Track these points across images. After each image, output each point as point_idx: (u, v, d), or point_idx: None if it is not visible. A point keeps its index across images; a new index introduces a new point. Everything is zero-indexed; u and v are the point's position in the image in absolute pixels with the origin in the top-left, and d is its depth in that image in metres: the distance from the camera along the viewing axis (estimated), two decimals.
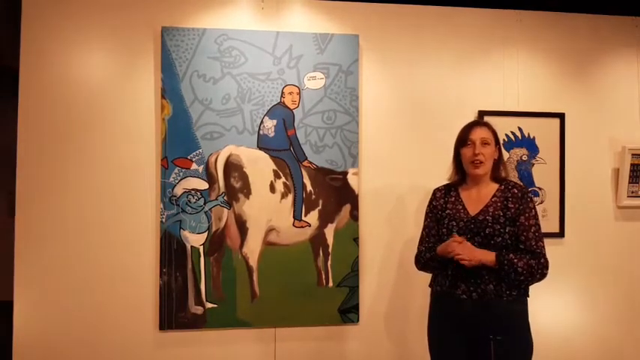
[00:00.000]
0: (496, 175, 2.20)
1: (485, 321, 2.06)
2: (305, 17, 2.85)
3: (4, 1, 3.16)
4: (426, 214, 2.31)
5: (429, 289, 2.28)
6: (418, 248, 2.30)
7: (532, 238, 2.07)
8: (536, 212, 2.12)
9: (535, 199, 2.98)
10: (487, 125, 2.21)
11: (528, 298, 2.12)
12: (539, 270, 2.05)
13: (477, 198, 2.17)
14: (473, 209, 2.15)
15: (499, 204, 2.12)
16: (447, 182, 2.30)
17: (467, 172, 2.20)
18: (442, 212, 2.22)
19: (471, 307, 2.07)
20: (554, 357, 2.99)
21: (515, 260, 2.02)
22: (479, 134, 2.15)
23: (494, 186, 2.18)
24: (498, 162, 2.21)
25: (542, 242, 2.09)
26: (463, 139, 2.19)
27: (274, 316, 2.73)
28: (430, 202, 2.30)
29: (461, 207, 2.18)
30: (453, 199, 2.22)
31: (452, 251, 2.06)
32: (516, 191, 2.13)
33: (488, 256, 2.04)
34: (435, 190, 2.31)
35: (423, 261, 2.25)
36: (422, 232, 2.31)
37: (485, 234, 2.08)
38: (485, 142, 2.15)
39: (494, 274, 2.05)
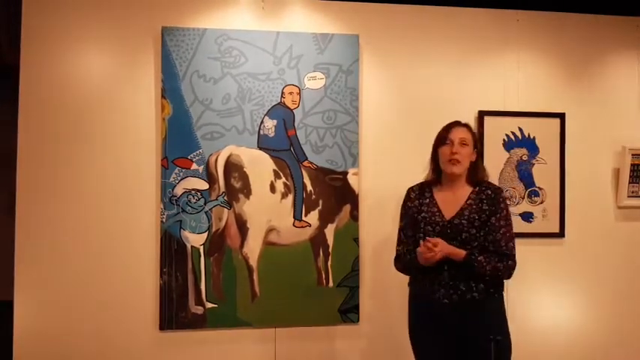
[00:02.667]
0: (472, 178, 2.20)
1: (468, 321, 2.08)
2: (305, 17, 2.85)
3: (5, 1, 3.16)
4: (401, 214, 2.30)
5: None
6: (397, 250, 2.29)
7: (501, 239, 2.09)
8: (507, 213, 2.14)
9: (535, 199, 2.99)
10: (467, 126, 2.22)
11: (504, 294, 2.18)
12: (505, 272, 2.10)
13: (453, 200, 2.17)
14: (448, 212, 2.15)
15: (474, 207, 2.13)
16: (422, 181, 2.30)
17: (444, 171, 2.20)
18: (417, 215, 2.20)
19: (452, 309, 2.09)
20: (554, 356, 2.99)
21: (484, 263, 2.05)
22: (458, 134, 2.17)
23: (469, 188, 2.18)
24: (475, 165, 2.21)
25: (513, 243, 2.12)
26: (442, 137, 2.20)
27: (274, 316, 2.73)
28: (405, 203, 2.29)
29: (436, 210, 2.18)
30: (428, 200, 2.21)
31: (425, 259, 2.06)
32: (490, 192, 2.15)
33: (458, 252, 2.07)
34: (408, 190, 2.30)
35: (403, 264, 2.26)
36: (399, 233, 2.30)
37: (461, 239, 2.10)
38: (464, 142, 2.16)
39: (466, 275, 2.08)
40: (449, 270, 2.09)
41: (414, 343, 2.25)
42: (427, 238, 2.09)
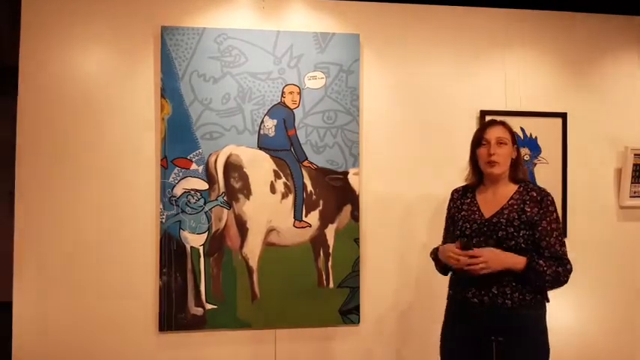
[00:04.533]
0: (514, 176, 2.13)
1: (496, 324, 2.03)
2: (305, 16, 2.84)
3: (5, 0, 3.16)
4: (446, 215, 2.31)
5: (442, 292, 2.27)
6: None
7: (555, 243, 2.01)
8: (557, 216, 2.06)
9: None
10: (503, 124, 2.14)
11: (548, 303, 2.08)
12: (565, 277, 2.01)
13: (493, 200, 2.12)
14: (488, 211, 2.10)
15: (515, 206, 2.05)
16: (466, 184, 2.25)
17: (483, 172, 2.15)
18: (458, 214, 2.18)
19: (482, 310, 2.04)
20: (554, 356, 2.97)
21: (545, 268, 1.97)
22: (494, 133, 2.10)
23: (513, 187, 2.12)
24: (516, 162, 2.13)
25: (565, 247, 2.04)
26: (478, 138, 2.14)
27: (274, 317, 2.71)
28: (448, 203, 2.28)
29: (476, 209, 2.13)
30: (469, 200, 2.18)
31: (457, 263, 2.01)
32: (535, 194, 2.06)
33: (517, 260, 1.98)
34: (452, 191, 2.28)
35: (435, 260, 2.25)
36: (443, 232, 2.33)
37: (497, 237, 2.03)
38: (501, 141, 2.09)
39: (506, 278, 2.01)
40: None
41: (442, 344, 2.20)
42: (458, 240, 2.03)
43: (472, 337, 2.08)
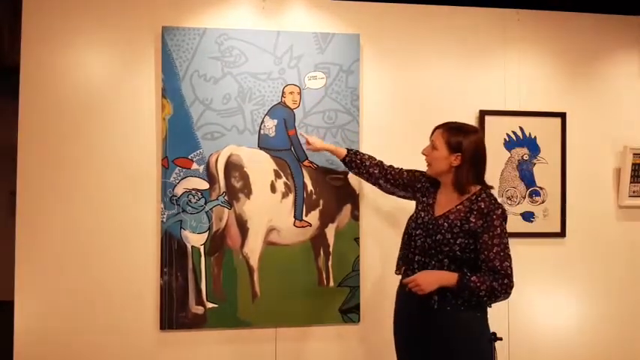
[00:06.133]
0: (456, 185, 2.11)
1: (413, 318, 2.11)
2: (306, 17, 2.85)
3: (5, 1, 3.17)
4: (417, 172, 2.41)
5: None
6: None
7: (495, 258, 1.97)
8: (502, 231, 2.01)
9: (536, 198, 2.98)
10: (443, 129, 2.15)
11: (489, 308, 2.09)
12: (502, 292, 1.96)
13: (446, 201, 2.15)
14: (438, 211, 2.14)
15: (462, 214, 2.06)
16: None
17: None
18: (421, 197, 2.25)
19: (413, 304, 2.10)
20: (554, 357, 2.99)
21: (478, 284, 1.95)
22: (432, 135, 2.19)
23: (458, 196, 2.11)
24: (458, 171, 2.10)
25: (509, 263, 1.99)
26: None
27: (275, 316, 2.72)
28: (424, 174, 2.33)
29: (432, 202, 2.19)
30: (433, 189, 2.24)
31: (409, 282, 2.05)
32: (483, 206, 2.04)
33: (449, 277, 2.00)
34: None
35: None
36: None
37: (435, 239, 2.06)
38: (432, 144, 2.16)
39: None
40: (418, 266, 2.11)
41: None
42: (405, 280, 2.09)
43: (407, 328, 2.18)
